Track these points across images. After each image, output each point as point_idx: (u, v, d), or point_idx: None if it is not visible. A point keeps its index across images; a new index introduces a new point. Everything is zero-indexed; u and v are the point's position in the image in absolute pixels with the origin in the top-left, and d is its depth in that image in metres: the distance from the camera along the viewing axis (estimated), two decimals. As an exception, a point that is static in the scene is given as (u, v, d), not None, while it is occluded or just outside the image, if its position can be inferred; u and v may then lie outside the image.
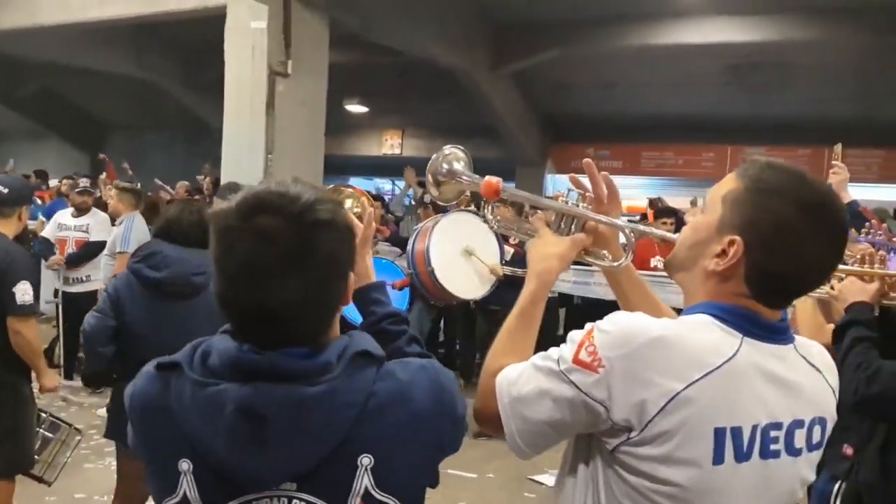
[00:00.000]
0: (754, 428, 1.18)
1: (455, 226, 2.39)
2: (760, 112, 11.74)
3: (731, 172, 1.28)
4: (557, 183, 14.99)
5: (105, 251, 6.36)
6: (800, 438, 1.24)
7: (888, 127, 11.05)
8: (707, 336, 1.18)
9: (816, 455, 1.29)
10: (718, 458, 1.15)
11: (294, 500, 1.10)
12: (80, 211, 6.81)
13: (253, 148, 7.42)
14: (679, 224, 6.61)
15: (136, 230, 6.08)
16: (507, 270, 5.27)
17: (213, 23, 7.83)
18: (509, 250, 5.68)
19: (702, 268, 1.25)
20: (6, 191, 3.32)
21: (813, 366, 1.28)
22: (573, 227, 1.47)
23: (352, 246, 1.19)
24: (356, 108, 14.62)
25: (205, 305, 3.05)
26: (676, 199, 11.22)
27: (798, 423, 1.23)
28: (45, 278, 5.78)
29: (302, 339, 1.11)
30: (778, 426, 1.20)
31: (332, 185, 2.28)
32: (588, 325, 1.21)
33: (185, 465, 1.11)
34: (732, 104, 11.76)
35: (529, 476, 4.97)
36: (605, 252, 1.52)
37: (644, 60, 10.94)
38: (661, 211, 6.93)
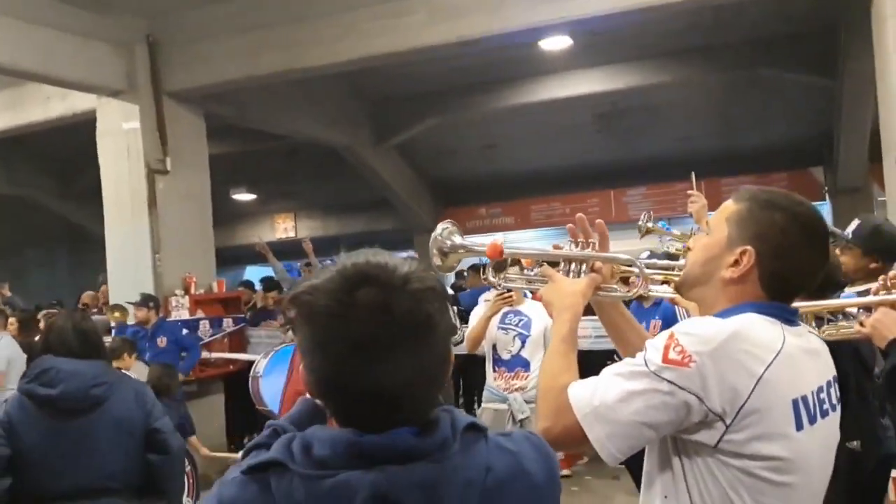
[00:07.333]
0: (812, 394, 1.39)
1: None
2: (634, 154, 12.36)
3: (728, 200, 1.51)
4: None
5: None
6: (832, 395, 1.46)
7: (752, 154, 11.84)
8: (763, 326, 1.38)
9: (839, 408, 1.50)
10: (799, 425, 1.35)
11: None
12: None
13: (138, 250, 7.22)
14: None
15: None
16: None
17: (83, 128, 7.66)
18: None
19: (718, 279, 1.46)
20: None
21: (815, 335, 1.52)
22: (582, 270, 1.64)
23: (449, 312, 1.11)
24: (244, 197, 14.44)
25: (107, 418, 2.92)
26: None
27: (828, 384, 1.46)
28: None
29: (411, 419, 1.03)
30: (821, 389, 1.43)
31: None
32: (664, 332, 1.36)
33: None
34: (607, 150, 12.34)
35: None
36: (615, 286, 1.68)
37: (519, 118, 11.36)
38: None
